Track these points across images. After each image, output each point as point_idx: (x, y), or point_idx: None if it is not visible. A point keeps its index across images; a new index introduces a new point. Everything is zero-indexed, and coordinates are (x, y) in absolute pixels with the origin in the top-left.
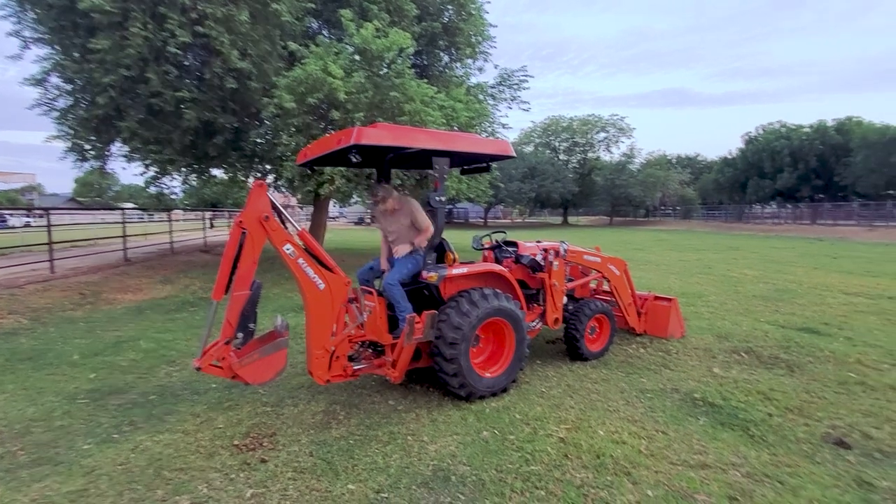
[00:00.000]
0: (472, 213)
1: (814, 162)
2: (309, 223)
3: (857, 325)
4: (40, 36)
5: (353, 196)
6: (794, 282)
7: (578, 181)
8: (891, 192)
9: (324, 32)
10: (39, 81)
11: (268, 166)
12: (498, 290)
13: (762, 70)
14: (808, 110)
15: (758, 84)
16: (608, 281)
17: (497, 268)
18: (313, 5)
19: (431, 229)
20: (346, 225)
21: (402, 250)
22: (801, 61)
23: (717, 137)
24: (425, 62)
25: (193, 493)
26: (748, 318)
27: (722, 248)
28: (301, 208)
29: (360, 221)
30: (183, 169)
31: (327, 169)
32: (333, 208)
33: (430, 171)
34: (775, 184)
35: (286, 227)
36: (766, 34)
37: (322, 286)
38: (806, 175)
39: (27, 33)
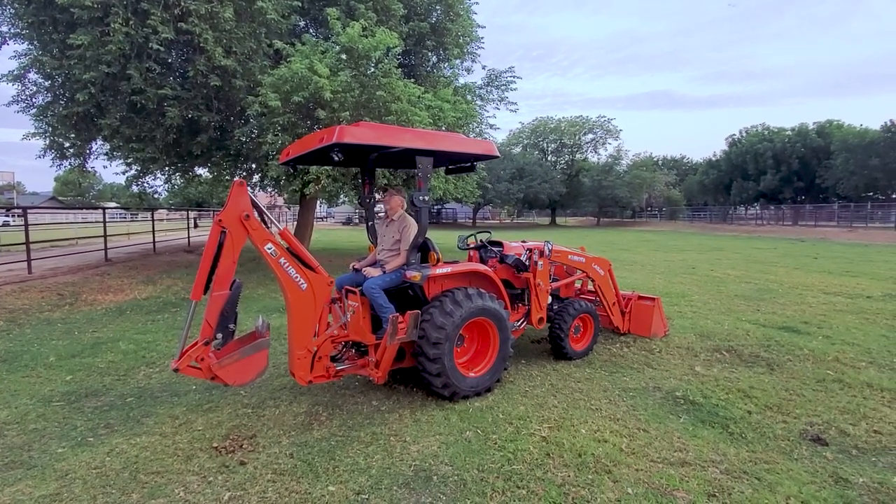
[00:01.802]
0: (460, 214)
1: (796, 164)
2: (295, 223)
3: (836, 323)
4: (19, 31)
5: (341, 196)
6: (776, 282)
7: (566, 182)
8: (870, 193)
9: (310, 31)
10: (18, 78)
11: (253, 165)
12: (482, 290)
13: (746, 73)
14: (792, 114)
15: (742, 87)
16: (592, 281)
17: (481, 267)
18: (299, 3)
19: (403, 260)
20: (333, 225)
21: (372, 271)
22: (784, 65)
23: (703, 139)
24: (413, 62)
25: (169, 496)
26: (730, 317)
27: (706, 248)
28: (289, 208)
29: (348, 221)
30: (166, 168)
31: (313, 168)
32: (321, 208)
33: (416, 171)
34: (759, 185)
35: (268, 227)
36: (751, 38)
37: (304, 286)
38: (788, 177)
39: (5, 28)
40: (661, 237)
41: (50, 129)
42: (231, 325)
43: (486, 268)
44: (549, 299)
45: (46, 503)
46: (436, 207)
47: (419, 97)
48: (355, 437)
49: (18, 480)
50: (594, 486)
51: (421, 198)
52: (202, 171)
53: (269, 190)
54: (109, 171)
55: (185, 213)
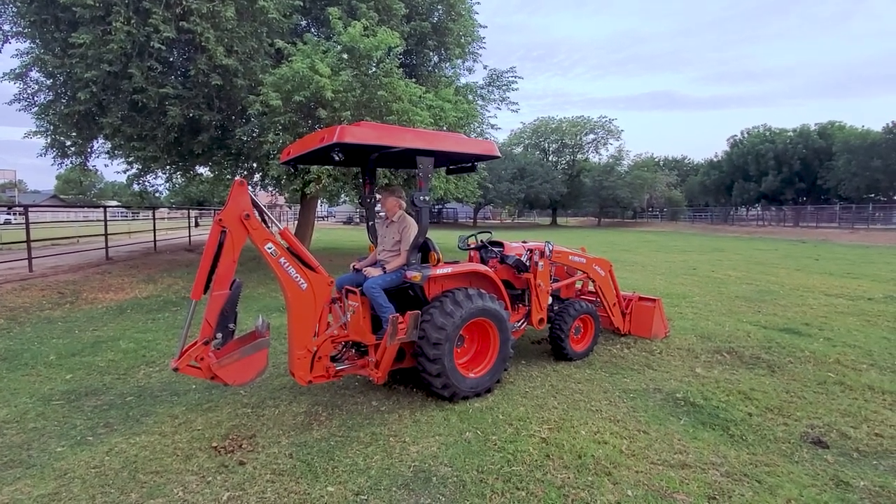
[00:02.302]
0: (461, 214)
1: (797, 165)
2: (296, 223)
3: (837, 325)
4: (20, 30)
5: (342, 195)
6: (777, 283)
7: (567, 182)
8: (872, 195)
9: (311, 30)
10: (19, 76)
11: (254, 164)
12: (482, 291)
13: (747, 74)
14: (793, 114)
15: (743, 88)
16: (593, 281)
17: (482, 268)
18: (301, 3)
19: (404, 261)
20: (334, 224)
21: (373, 271)
22: (785, 66)
23: (704, 140)
24: (414, 62)
25: (168, 496)
26: (731, 318)
27: (707, 249)
28: (290, 208)
29: (349, 221)
30: (167, 166)
31: (314, 168)
32: (322, 207)
33: (416, 171)
34: (760, 186)
35: (268, 226)
36: (752, 38)
37: (304, 286)
38: (790, 178)
39: (7, 27)
40: (662, 238)
41: (51, 127)
42: (231, 325)
43: (486, 268)
44: (550, 300)
45: (45, 502)
46: (436, 207)
47: (420, 97)
48: (355, 437)
49: (17, 479)
50: (594, 488)
51: (421, 198)
52: (203, 170)
53: (270, 189)
54: (111, 169)
55: (186, 211)
